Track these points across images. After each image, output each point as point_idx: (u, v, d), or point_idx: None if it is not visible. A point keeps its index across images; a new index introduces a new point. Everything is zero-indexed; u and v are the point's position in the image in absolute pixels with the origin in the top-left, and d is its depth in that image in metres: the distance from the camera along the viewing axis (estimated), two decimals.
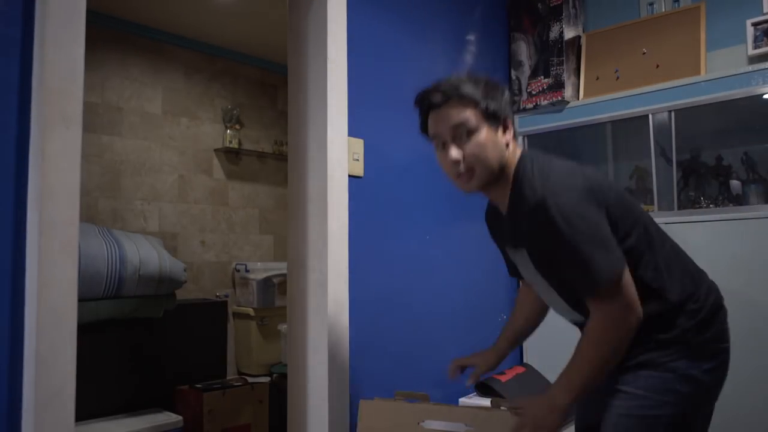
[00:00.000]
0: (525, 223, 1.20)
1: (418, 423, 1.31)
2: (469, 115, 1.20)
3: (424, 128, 1.29)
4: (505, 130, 1.24)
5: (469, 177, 1.22)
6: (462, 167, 1.21)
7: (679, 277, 1.25)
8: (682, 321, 1.22)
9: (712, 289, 1.30)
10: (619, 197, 1.23)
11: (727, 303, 1.32)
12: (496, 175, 1.24)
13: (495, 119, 1.22)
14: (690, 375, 1.20)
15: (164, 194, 3.59)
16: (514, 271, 1.48)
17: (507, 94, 1.26)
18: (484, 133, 1.20)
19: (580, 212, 1.13)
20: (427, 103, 1.25)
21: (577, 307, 1.26)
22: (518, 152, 1.27)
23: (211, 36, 3.74)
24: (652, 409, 1.19)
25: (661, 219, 2.25)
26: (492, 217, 1.44)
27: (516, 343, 1.61)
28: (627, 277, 1.15)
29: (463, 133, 1.20)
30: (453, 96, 1.20)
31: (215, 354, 3.10)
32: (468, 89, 1.20)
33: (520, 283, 1.58)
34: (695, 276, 1.29)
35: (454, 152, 1.20)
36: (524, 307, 1.56)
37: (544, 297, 1.38)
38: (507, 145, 1.24)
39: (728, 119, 2.41)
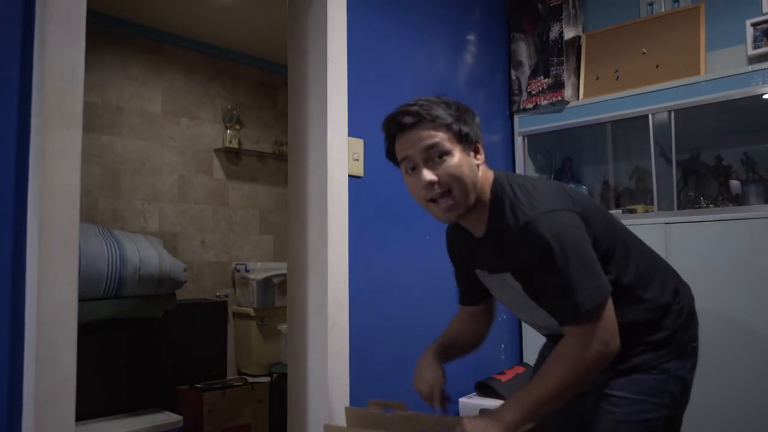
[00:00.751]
0: (511, 246, 1.16)
1: None
2: (442, 137, 1.14)
3: (389, 153, 1.23)
4: (476, 154, 1.20)
5: (447, 205, 1.16)
6: (437, 189, 1.15)
7: (661, 280, 1.26)
8: (670, 322, 1.23)
9: (687, 288, 1.32)
10: (600, 212, 1.23)
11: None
12: (474, 201, 1.18)
13: (467, 142, 1.18)
14: (679, 375, 1.22)
15: (164, 194, 3.59)
16: (470, 297, 1.44)
17: (477, 119, 1.22)
18: (457, 155, 1.15)
19: (571, 234, 1.10)
20: (395, 126, 1.18)
21: None
22: (490, 175, 1.23)
23: (211, 36, 3.74)
24: (650, 413, 1.19)
25: (661, 219, 2.25)
26: (456, 238, 1.37)
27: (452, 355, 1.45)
28: (610, 305, 1.10)
29: (435, 155, 1.14)
30: (424, 118, 1.15)
31: (215, 354, 3.10)
32: (440, 111, 1.16)
33: (461, 309, 1.49)
34: (673, 276, 1.31)
35: (428, 174, 1.14)
36: (466, 332, 1.47)
37: (523, 314, 1.33)
38: (478, 167, 1.20)
39: (728, 119, 2.41)
